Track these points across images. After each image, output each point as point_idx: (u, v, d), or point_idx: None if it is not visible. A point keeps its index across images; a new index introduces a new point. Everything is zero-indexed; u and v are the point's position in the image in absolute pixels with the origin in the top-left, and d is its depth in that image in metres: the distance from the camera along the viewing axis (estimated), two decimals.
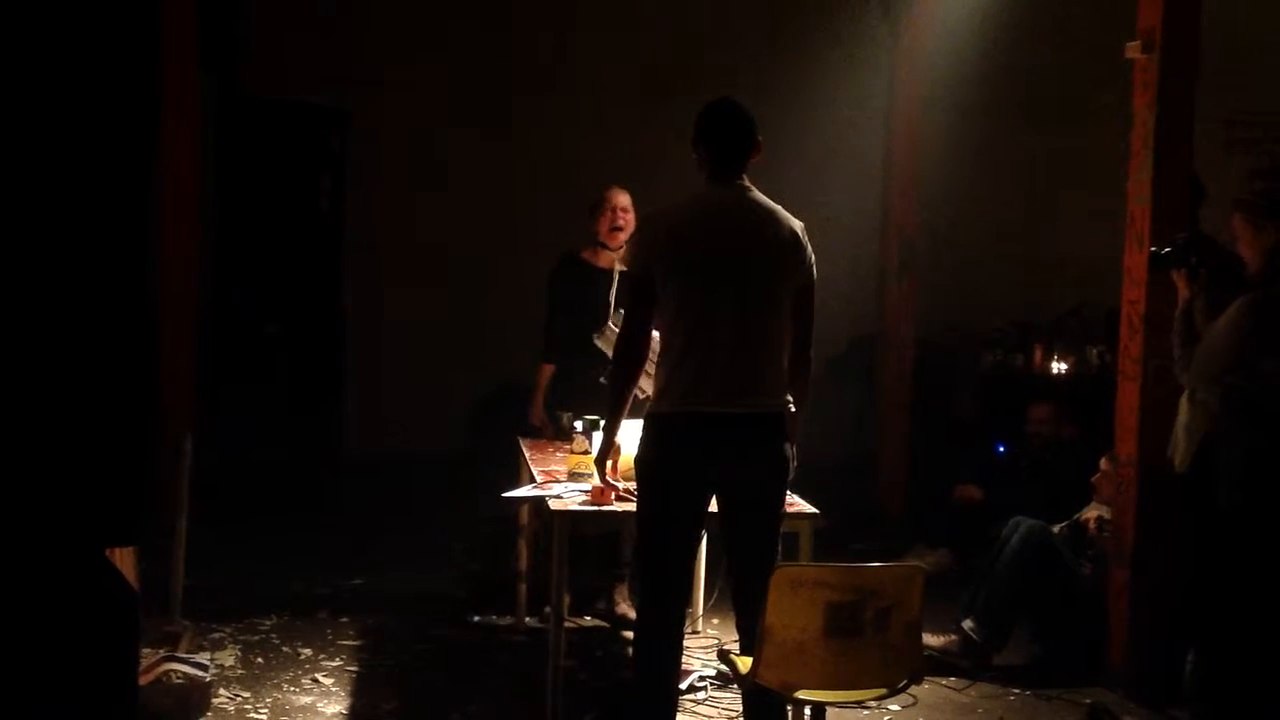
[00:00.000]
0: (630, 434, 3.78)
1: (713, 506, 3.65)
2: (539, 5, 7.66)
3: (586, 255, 5.20)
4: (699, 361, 3.50)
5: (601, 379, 4.70)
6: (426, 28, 7.54)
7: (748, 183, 3.62)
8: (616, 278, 5.08)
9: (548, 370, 5.25)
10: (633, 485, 3.76)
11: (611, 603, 5.25)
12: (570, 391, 5.04)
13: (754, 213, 3.59)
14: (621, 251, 5.09)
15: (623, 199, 5.12)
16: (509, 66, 7.62)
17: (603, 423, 3.77)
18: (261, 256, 7.28)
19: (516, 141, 7.58)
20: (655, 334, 3.70)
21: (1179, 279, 4.16)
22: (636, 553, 3.78)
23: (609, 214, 5.09)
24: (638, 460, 3.63)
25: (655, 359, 3.70)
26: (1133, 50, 4.62)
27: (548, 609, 4.81)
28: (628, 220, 5.08)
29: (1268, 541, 3.83)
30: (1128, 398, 4.66)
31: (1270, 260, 3.82)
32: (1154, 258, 4.25)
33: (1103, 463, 5.08)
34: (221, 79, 7.10)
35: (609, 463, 3.82)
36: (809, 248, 3.61)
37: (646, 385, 3.75)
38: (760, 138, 3.63)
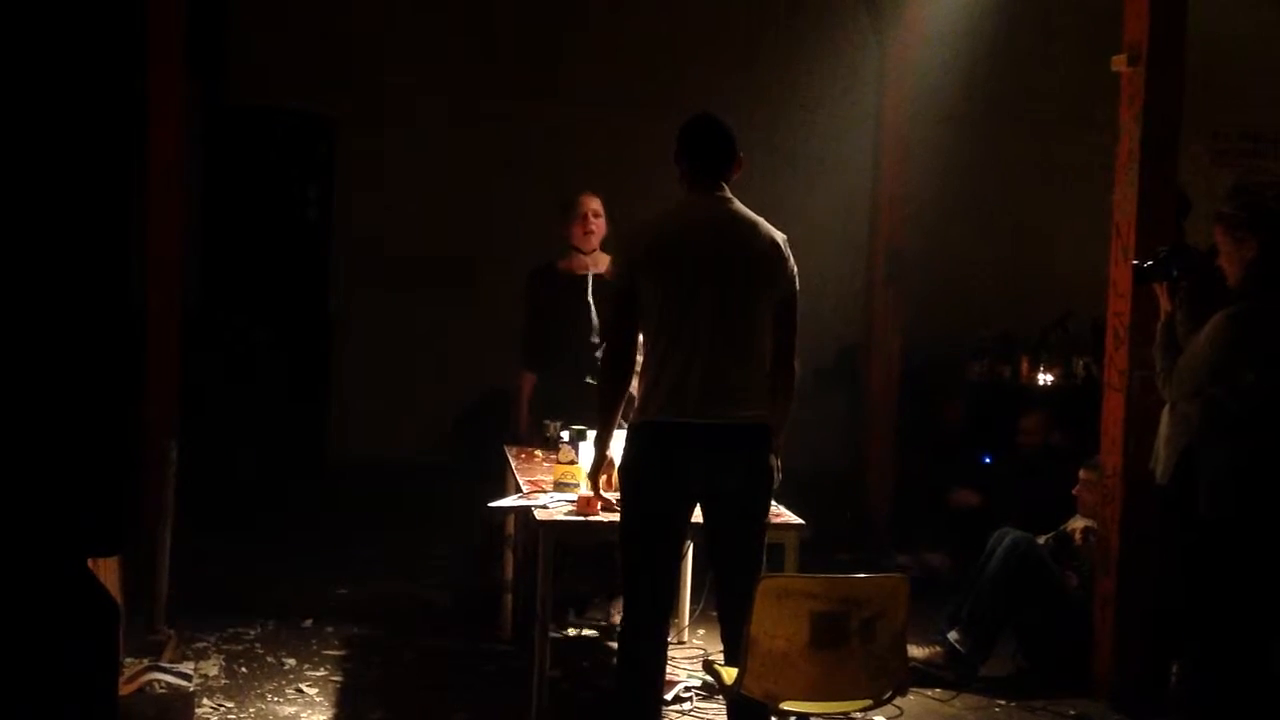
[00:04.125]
0: (616, 447, 3.78)
1: (698, 517, 3.66)
2: (528, 14, 7.66)
3: (562, 265, 5.23)
4: (680, 371, 3.51)
5: (588, 379, 4.74)
6: (413, 35, 7.54)
7: (729, 194, 3.64)
8: (591, 282, 5.10)
9: (530, 379, 5.26)
10: (615, 495, 3.76)
11: (608, 614, 5.24)
12: (555, 399, 5.04)
13: (735, 223, 3.60)
14: (595, 254, 5.14)
15: (594, 204, 5.18)
16: (496, 74, 7.62)
17: (593, 437, 3.77)
18: (249, 264, 7.27)
19: (505, 149, 7.58)
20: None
21: (1161, 292, 4.18)
22: (620, 562, 3.78)
23: (580, 220, 5.13)
24: (621, 469, 3.63)
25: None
26: (1119, 63, 4.64)
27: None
28: (599, 225, 5.15)
29: (1248, 552, 3.84)
30: (1113, 409, 4.68)
31: (1250, 273, 3.84)
32: (1137, 270, 4.27)
33: (1082, 473, 5.10)
34: (208, 87, 7.09)
35: (603, 477, 3.82)
36: (790, 258, 3.62)
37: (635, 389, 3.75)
38: (741, 154, 3.66)
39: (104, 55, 2.30)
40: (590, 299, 5.08)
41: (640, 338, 3.68)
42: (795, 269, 3.63)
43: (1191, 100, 4.68)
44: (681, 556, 3.80)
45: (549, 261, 5.30)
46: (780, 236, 3.63)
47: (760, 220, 3.63)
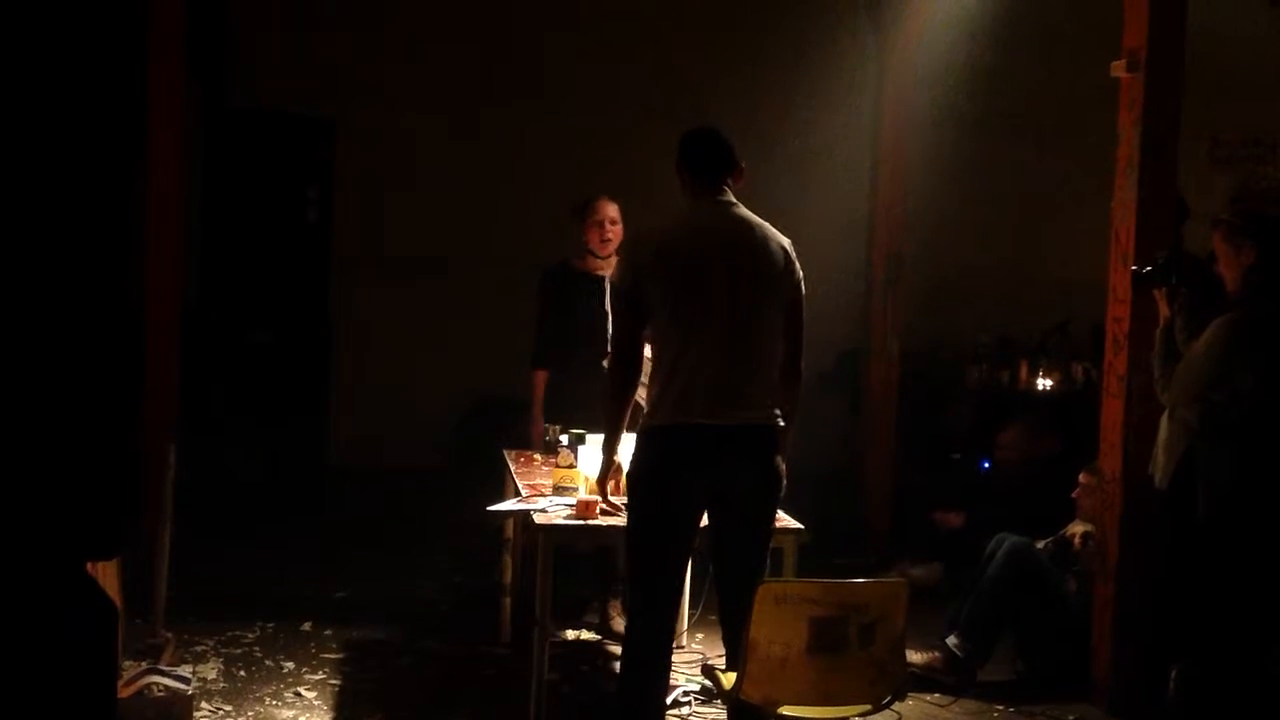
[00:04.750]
0: (626, 450, 3.78)
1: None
2: (529, 18, 7.66)
3: (577, 264, 5.22)
4: (690, 374, 3.52)
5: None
6: (413, 38, 7.54)
7: (733, 198, 3.65)
8: (608, 286, 5.08)
9: (542, 377, 5.24)
10: (622, 500, 3.77)
11: (606, 617, 5.24)
12: (570, 400, 5.03)
13: (742, 227, 3.62)
14: (613, 259, 5.12)
15: (611, 210, 5.14)
16: (498, 78, 7.62)
17: (601, 441, 3.77)
18: (248, 266, 7.27)
19: (505, 151, 7.59)
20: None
21: (1160, 297, 4.18)
22: (627, 566, 3.79)
23: (597, 228, 5.12)
24: (630, 474, 3.64)
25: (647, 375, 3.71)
26: (1118, 69, 4.65)
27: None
28: (616, 232, 5.12)
29: (1247, 557, 3.84)
30: (1112, 414, 4.68)
31: (1249, 279, 3.84)
32: (1136, 276, 4.27)
33: (1081, 477, 5.10)
34: (209, 89, 7.09)
35: (610, 482, 3.82)
36: (797, 263, 3.65)
37: (642, 396, 3.76)
38: (743, 164, 3.68)
39: (105, 58, 2.30)
40: (608, 305, 5.06)
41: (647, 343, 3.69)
42: (801, 274, 3.66)
43: (1191, 105, 4.68)
44: (689, 560, 3.81)
45: (563, 259, 5.28)
46: (787, 242, 3.65)
47: (767, 225, 3.66)
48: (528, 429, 5.25)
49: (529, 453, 5.03)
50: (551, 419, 4.98)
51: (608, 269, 5.12)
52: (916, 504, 6.65)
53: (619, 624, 5.16)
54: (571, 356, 5.08)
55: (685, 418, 3.51)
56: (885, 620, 3.23)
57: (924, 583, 5.85)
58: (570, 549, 4.59)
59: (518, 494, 4.38)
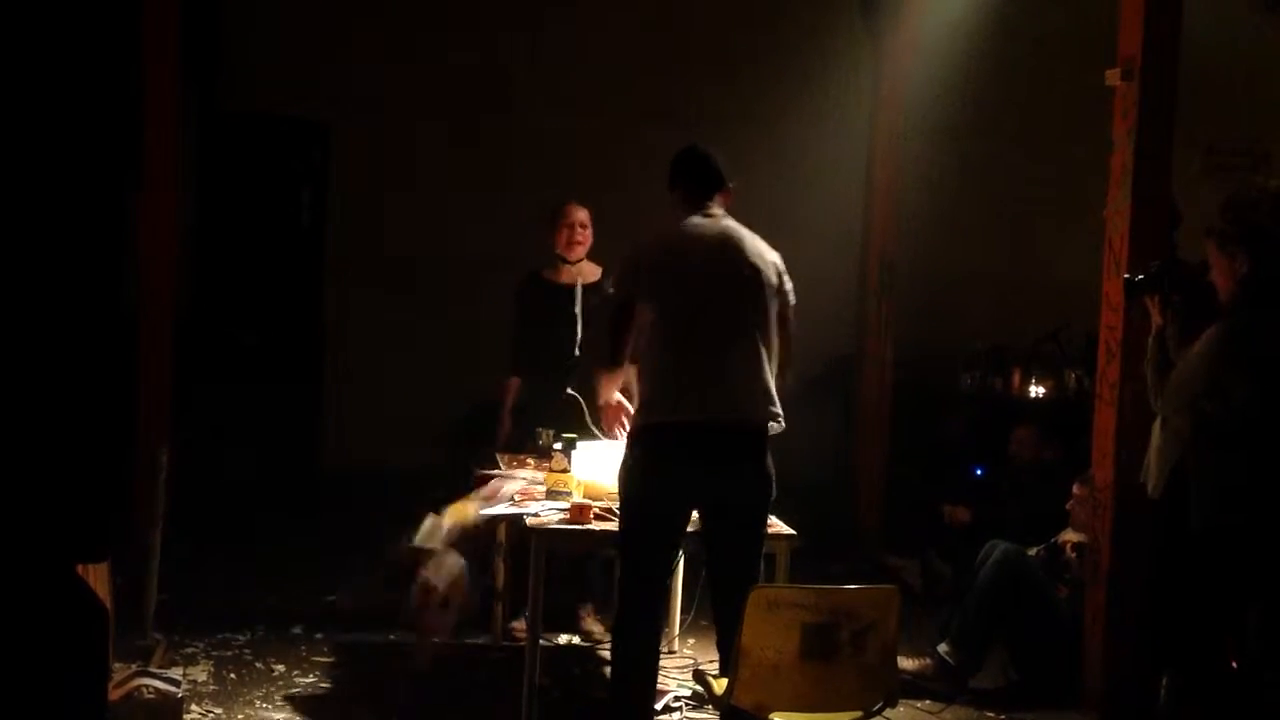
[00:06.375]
0: (609, 455, 3.79)
1: (692, 525, 3.67)
2: (524, 18, 7.67)
3: (548, 274, 5.25)
4: (682, 375, 3.57)
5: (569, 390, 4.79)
6: (406, 42, 7.55)
7: (724, 212, 3.72)
8: (580, 293, 5.10)
9: (514, 384, 5.32)
10: (614, 505, 3.78)
11: (578, 620, 5.23)
12: (542, 410, 5.05)
13: (734, 237, 3.69)
14: (581, 265, 5.18)
15: (580, 214, 5.19)
16: (489, 81, 7.62)
17: (599, 387, 3.86)
18: (243, 269, 7.26)
19: (501, 154, 7.59)
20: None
21: (1152, 306, 4.19)
22: (619, 567, 3.80)
23: (566, 230, 5.16)
24: (622, 472, 3.66)
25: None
26: (1113, 77, 4.66)
27: (511, 624, 4.82)
28: (586, 236, 5.17)
29: (1238, 565, 3.85)
30: (1104, 422, 4.69)
31: (1243, 288, 3.85)
32: (1128, 284, 4.28)
33: (1075, 488, 5.10)
34: (203, 92, 7.09)
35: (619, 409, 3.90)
36: (787, 277, 3.73)
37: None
38: (732, 185, 3.74)
39: (100, 61, 2.30)
40: (578, 310, 5.10)
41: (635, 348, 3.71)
42: (791, 286, 3.73)
43: (1185, 114, 4.70)
44: (676, 561, 3.83)
45: (533, 271, 5.31)
46: (776, 255, 3.75)
47: (758, 238, 3.73)
48: (494, 431, 5.35)
49: (521, 456, 5.03)
50: (531, 428, 5.00)
51: (580, 277, 5.14)
52: (912, 507, 6.66)
53: (589, 625, 5.20)
54: (547, 369, 5.10)
55: (680, 417, 3.54)
56: (877, 627, 3.24)
57: (943, 577, 5.90)
58: (557, 553, 4.60)
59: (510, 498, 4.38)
